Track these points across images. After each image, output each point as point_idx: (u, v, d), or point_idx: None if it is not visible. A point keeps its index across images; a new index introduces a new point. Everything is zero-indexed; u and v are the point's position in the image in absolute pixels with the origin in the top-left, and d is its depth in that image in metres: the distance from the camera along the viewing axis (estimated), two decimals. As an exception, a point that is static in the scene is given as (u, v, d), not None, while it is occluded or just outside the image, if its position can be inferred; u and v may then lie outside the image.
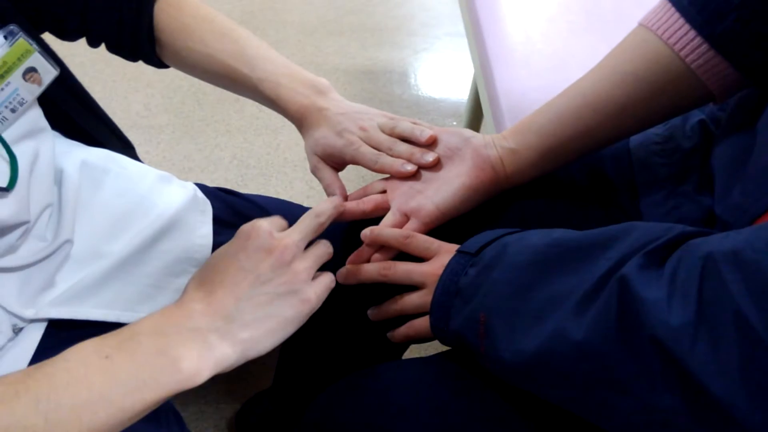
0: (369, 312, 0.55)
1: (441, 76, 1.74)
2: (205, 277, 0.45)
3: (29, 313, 0.54)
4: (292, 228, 0.48)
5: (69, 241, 0.58)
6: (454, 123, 1.59)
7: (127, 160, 0.70)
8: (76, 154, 0.63)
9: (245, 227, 0.46)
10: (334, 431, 0.50)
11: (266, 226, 0.46)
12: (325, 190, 0.59)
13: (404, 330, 0.53)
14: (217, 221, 0.74)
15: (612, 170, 0.58)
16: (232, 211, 0.79)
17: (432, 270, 0.50)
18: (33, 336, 0.54)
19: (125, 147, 0.76)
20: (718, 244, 0.34)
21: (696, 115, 0.54)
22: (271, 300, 0.44)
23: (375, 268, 0.52)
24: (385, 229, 0.53)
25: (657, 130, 0.56)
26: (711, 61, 0.45)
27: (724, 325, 0.31)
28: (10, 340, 0.54)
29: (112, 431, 0.38)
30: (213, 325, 0.42)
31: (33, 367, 0.38)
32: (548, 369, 0.39)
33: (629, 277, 0.35)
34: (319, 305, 0.46)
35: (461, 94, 1.68)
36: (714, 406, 0.31)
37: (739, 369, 0.30)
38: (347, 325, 0.61)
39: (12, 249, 0.54)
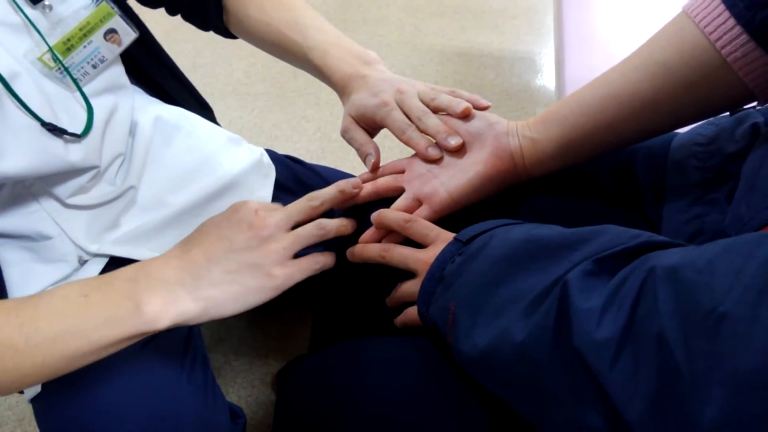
0: (387, 299, 0.55)
1: (538, 63, 1.68)
2: (190, 238, 0.50)
3: (93, 248, 0.61)
4: (281, 208, 0.51)
5: (133, 188, 0.64)
6: (546, 112, 1.53)
7: (200, 120, 0.75)
8: (152, 110, 0.69)
9: (237, 203, 0.50)
10: (308, 402, 0.49)
11: (254, 204, 0.50)
12: (358, 151, 0.58)
13: (401, 317, 0.53)
14: (278, 186, 0.78)
15: (642, 169, 0.54)
16: (294, 178, 0.83)
17: (425, 257, 0.49)
18: (94, 269, 0.61)
19: (203, 108, 0.81)
20: (665, 258, 0.31)
21: (753, 118, 0.49)
22: (239, 268, 0.47)
23: (376, 249, 0.52)
24: (389, 212, 0.53)
25: (704, 131, 0.51)
26: (750, 55, 0.41)
27: (647, 346, 0.29)
28: (76, 270, 0.61)
29: (81, 360, 0.44)
30: (182, 279, 0.46)
31: (27, 296, 0.45)
32: (494, 366, 0.38)
33: (570, 283, 0.34)
34: (287, 284, 0.48)
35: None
36: None
37: (653, 397, 0.28)
38: (377, 296, 0.63)
39: (83, 189, 0.60)
